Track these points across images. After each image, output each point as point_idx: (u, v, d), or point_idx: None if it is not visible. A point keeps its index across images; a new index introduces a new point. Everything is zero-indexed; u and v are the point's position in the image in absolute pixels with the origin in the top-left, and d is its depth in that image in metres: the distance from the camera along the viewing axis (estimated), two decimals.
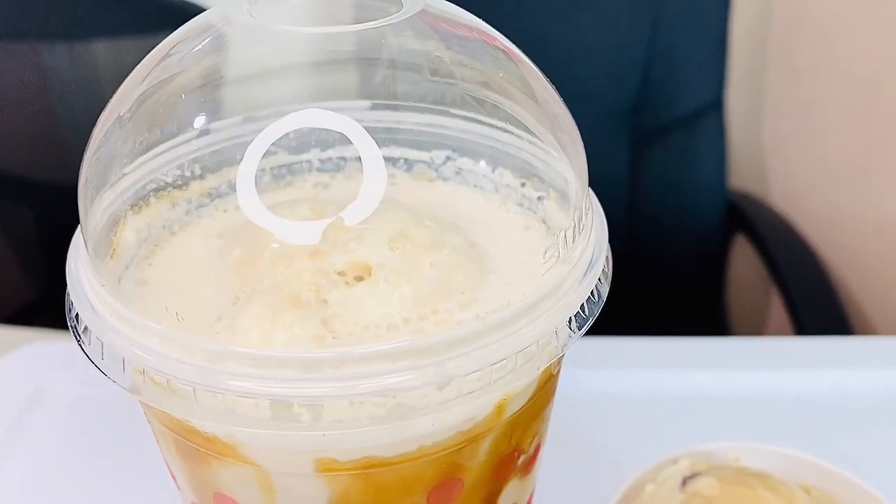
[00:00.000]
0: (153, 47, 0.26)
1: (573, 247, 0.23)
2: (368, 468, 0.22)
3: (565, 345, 0.22)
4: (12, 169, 1.18)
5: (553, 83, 0.27)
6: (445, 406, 0.21)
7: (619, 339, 0.55)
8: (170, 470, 0.26)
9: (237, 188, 0.22)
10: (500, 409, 0.22)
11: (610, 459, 0.42)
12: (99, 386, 0.51)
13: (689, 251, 1.16)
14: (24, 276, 0.55)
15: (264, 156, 0.22)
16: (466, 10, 0.27)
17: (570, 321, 0.22)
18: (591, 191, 0.26)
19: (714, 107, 1.20)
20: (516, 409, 0.23)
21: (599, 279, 0.23)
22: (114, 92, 0.25)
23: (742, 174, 1.26)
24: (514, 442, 0.24)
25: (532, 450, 0.26)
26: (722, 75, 1.18)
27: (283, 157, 0.31)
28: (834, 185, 1.02)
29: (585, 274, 0.23)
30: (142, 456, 0.46)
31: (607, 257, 0.24)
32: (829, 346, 0.54)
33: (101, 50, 1.16)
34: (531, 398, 0.24)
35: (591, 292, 0.23)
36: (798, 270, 0.90)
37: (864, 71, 0.91)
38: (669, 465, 0.36)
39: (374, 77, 0.30)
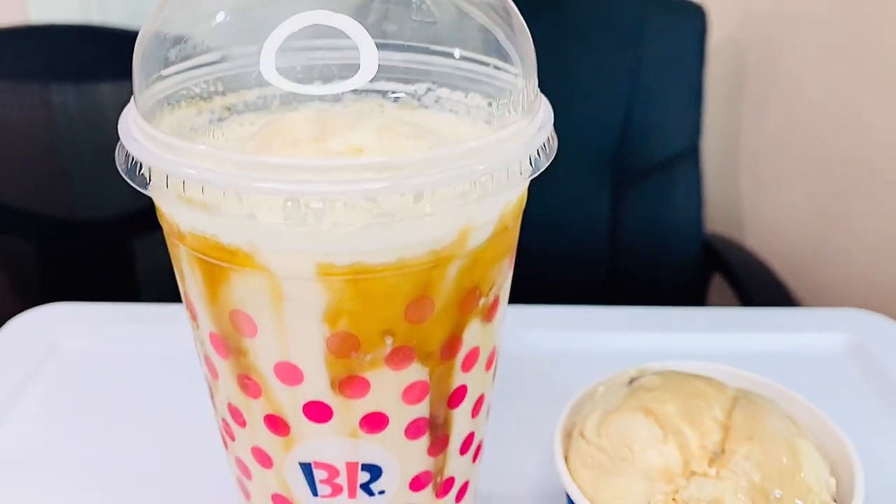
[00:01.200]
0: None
1: (528, 110, 0.30)
2: (357, 274, 0.27)
3: (519, 177, 0.28)
4: (15, 202, 1.24)
5: None
6: (419, 218, 0.27)
7: (589, 307, 0.62)
8: (191, 309, 0.31)
9: (260, 63, 0.28)
10: (463, 235, 0.28)
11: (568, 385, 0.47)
12: (112, 343, 0.56)
13: (667, 288, 1.22)
14: (21, 307, 0.60)
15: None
16: None
17: (524, 161, 0.28)
18: (543, 96, 0.32)
19: (691, 152, 1.28)
20: (477, 244, 0.29)
21: (549, 138, 0.29)
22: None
23: (718, 218, 1.32)
24: (476, 279, 0.30)
25: (491, 298, 0.32)
26: (698, 123, 1.25)
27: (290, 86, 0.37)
28: (806, 227, 1.08)
29: (539, 131, 0.29)
30: (149, 406, 0.51)
31: (552, 133, 0.31)
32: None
33: (106, 90, 1.23)
34: (490, 239, 0.30)
35: (543, 143, 0.29)
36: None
37: (833, 118, 0.98)
38: (619, 374, 0.42)
39: (367, 19, 0.37)
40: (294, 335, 0.29)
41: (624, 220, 1.24)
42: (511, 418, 0.51)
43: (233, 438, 0.34)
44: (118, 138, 0.30)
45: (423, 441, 0.33)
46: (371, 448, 0.32)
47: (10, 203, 1.24)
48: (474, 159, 0.27)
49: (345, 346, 0.29)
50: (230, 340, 0.30)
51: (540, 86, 0.34)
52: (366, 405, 0.31)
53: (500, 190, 0.28)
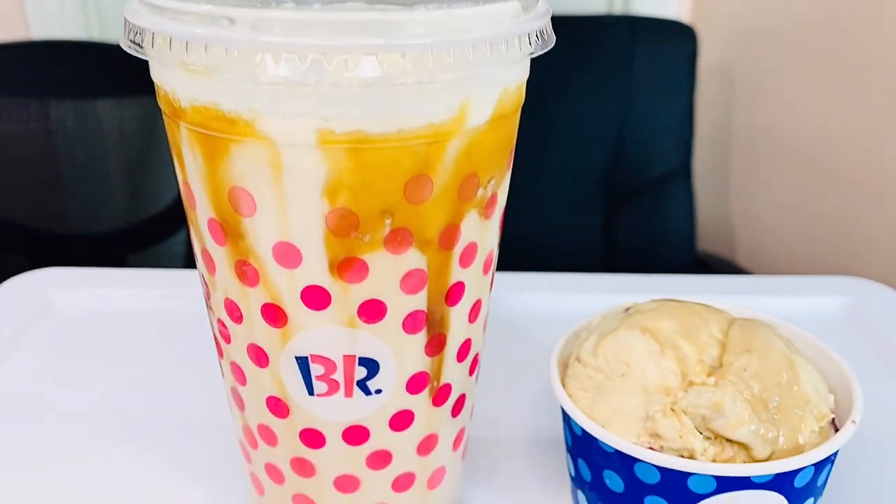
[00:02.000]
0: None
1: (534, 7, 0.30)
2: (358, 143, 0.28)
3: (519, 53, 0.28)
4: (12, 216, 1.24)
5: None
6: (419, 86, 0.27)
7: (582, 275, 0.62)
8: (190, 199, 0.31)
9: None
10: (462, 111, 0.29)
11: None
12: (105, 301, 0.56)
13: None
14: None
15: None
16: None
17: (524, 37, 0.29)
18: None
19: (683, 171, 1.29)
20: (475, 125, 0.29)
21: (547, 28, 0.30)
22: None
23: (710, 236, 1.33)
24: (474, 164, 0.30)
25: (489, 192, 0.32)
26: (690, 142, 1.27)
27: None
28: (798, 244, 1.10)
29: (539, 17, 0.30)
30: (139, 363, 0.51)
31: (549, 27, 0.31)
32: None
33: (105, 106, 1.25)
34: (488, 122, 0.30)
35: (543, 28, 0.30)
36: None
37: (823, 136, 1.00)
38: (615, 307, 0.42)
39: None
40: (293, 212, 0.29)
41: (617, 238, 1.25)
42: (504, 371, 0.51)
43: (228, 341, 0.34)
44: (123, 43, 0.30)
45: (421, 337, 0.33)
46: (368, 340, 0.32)
47: (7, 217, 1.24)
48: (475, 25, 0.28)
49: (344, 225, 0.29)
50: (229, 223, 0.30)
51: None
52: (364, 291, 0.31)
53: (498, 61, 0.28)
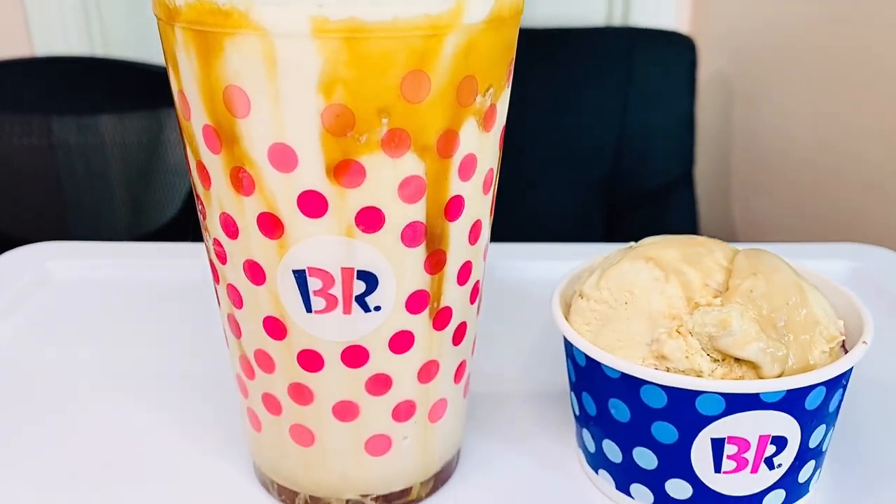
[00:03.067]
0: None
1: None
2: (352, 32, 0.27)
3: None
4: (14, 231, 1.24)
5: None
6: None
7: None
8: (185, 107, 0.31)
9: None
10: (459, 4, 0.28)
11: None
12: (100, 270, 0.56)
13: None
14: None
15: None
16: None
17: None
18: None
19: (684, 180, 1.29)
20: (472, 21, 0.29)
21: None
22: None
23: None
24: (472, 67, 0.30)
25: (488, 101, 0.32)
26: (691, 151, 1.27)
27: None
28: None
29: None
30: (133, 325, 0.51)
31: None
32: None
33: (108, 123, 1.25)
34: (486, 21, 0.30)
35: None
36: None
37: (821, 144, 1.00)
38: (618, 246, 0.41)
39: None
40: (288, 110, 0.29)
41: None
42: (505, 327, 0.51)
43: (224, 261, 0.33)
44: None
45: (420, 252, 0.32)
46: (367, 251, 0.31)
47: (10, 231, 1.24)
48: None
49: (340, 124, 0.29)
50: (224, 127, 0.30)
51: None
52: (361, 197, 0.30)
53: None
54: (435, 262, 0.33)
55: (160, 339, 0.51)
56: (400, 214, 0.31)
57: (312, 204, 0.30)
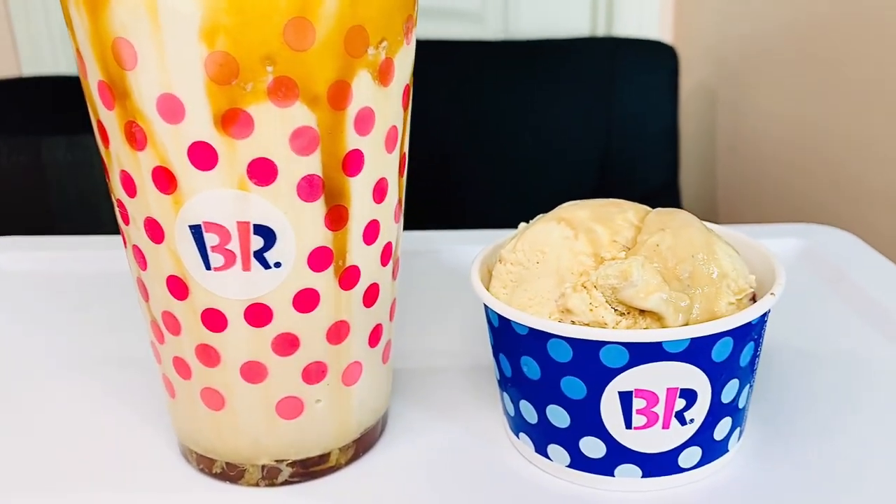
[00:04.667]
0: None
1: None
2: None
3: None
4: None
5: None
6: None
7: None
8: (82, 66, 0.31)
9: None
10: None
11: None
12: (44, 263, 0.57)
13: None
14: None
15: None
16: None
17: None
18: None
19: (669, 188, 1.29)
20: None
21: None
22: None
23: None
24: (360, 16, 0.30)
25: (382, 55, 0.32)
26: (675, 160, 1.27)
27: None
28: None
29: None
30: (78, 317, 0.52)
31: None
32: None
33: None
34: None
35: None
36: None
37: (805, 152, 1.00)
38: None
39: None
40: (172, 59, 0.29)
41: None
42: (443, 306, 0.51)
43: (127, 221, 0.34)
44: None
45: (319, 207, 0.32)
46: (262, 205, 0.31)
47: None
48: None
49: (224, 72, 0.29)
50: (115, 81, 0.30)
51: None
52: (251, 148, 0.30)
53: None
54: (336, 218, 0.33)
55: (109, 325, 0.51)
56: (293, 167, 0.31)
57: (202, 156, 0.30)
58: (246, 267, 0.32)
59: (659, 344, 0.32)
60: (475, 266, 0.39)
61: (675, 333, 0.32)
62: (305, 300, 0.34)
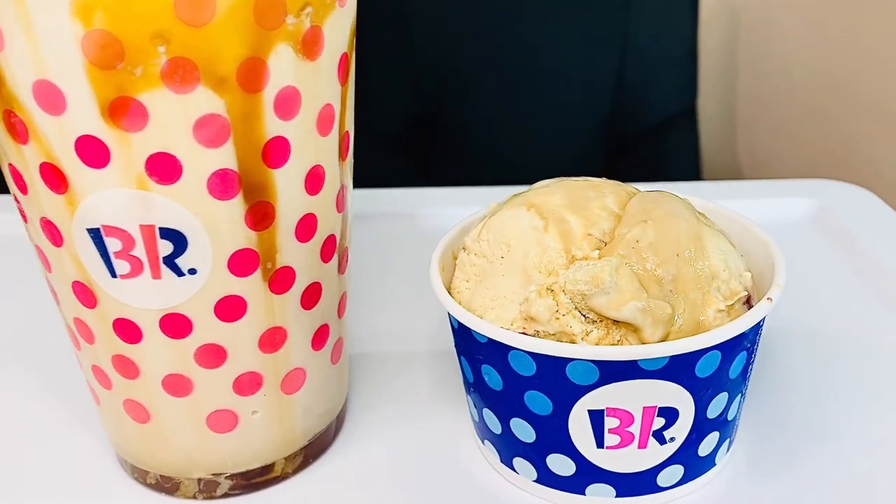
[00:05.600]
0: None
1: None
2: None
3: None
4: None
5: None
6: None
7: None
8: None
9: None
10: None
11: None
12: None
13: None
14: None
15: None
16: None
17: None
18: None
19: (687, 114, 1.22)
20: None
21: None
22: None
23: (716, 179, 1.27)
24: None
25: (306, 24, 0.27)
26: (694, 83, 1.20)
27: None
28: None
29: None
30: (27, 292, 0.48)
31: None
32: None
33: None
34: None
35: None
36: None
37: (830, 73, 0.93)
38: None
39: None
40: (44, 40, 0.24)
41: None
42: (412, 286, 0.46)
43: (25, 219, 0.29)
44: None
45: (237, 205, 0.28)
46: (167, 206, 0.27)
47: None
48: None
49: (106, 55, 0.24)
50: None
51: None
52: (148, 141, 0.26)
53: None
54: (259, 216, 0.28)
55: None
56: (201, 161, 0.27)
57: (92, 151, 0.26)
58: (156, 275, 0.28)
59: (634, 362, 0.28)
60: (435, 256, 0.34)
61: (650, 351, 0.28)
62: (229, 308, 0.29)
